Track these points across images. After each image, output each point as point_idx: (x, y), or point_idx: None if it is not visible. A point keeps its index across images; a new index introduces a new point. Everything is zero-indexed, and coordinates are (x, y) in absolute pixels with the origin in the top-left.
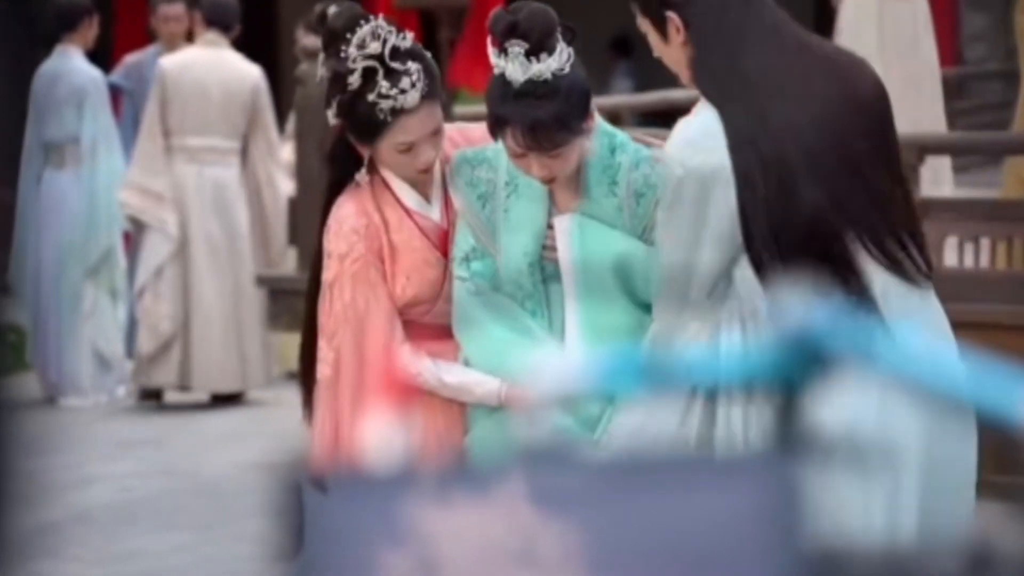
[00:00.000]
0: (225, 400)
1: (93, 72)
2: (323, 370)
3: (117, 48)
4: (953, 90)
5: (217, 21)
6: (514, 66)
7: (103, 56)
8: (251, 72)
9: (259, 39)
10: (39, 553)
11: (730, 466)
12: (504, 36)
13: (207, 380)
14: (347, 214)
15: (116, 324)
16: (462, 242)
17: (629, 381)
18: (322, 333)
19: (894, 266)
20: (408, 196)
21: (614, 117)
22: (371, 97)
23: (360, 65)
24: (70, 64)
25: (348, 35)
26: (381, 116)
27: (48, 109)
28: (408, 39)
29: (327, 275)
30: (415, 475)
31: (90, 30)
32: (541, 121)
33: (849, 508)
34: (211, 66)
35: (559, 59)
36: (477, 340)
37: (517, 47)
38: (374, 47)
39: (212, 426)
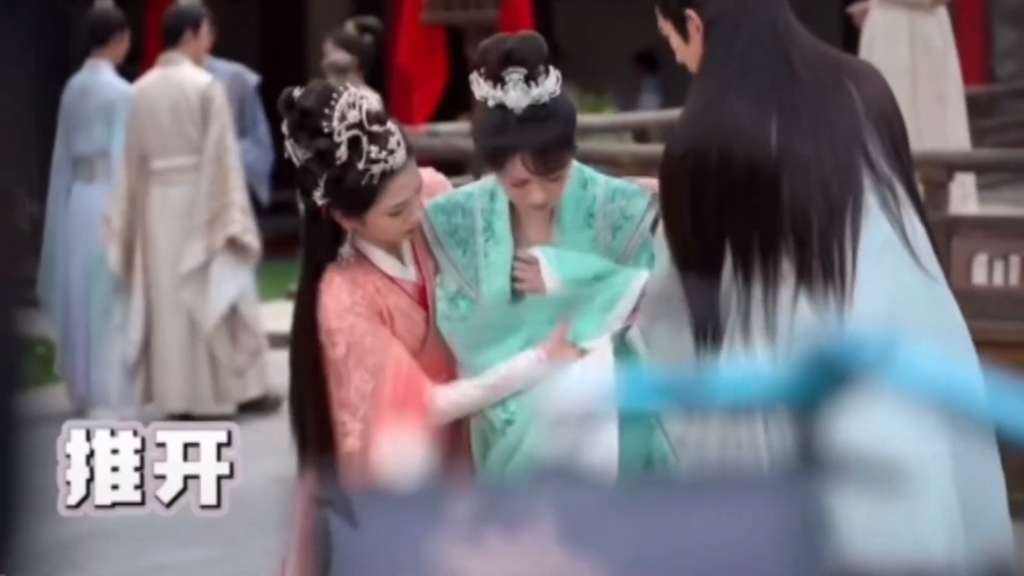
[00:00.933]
0: (252, 408)
1: (123, 86)
2: (351, 443)
3: (146, 63)
4: (983, 108)
5: (166, 39)
6: (516, 92)
7: (133, 71)
8: (198, 84)
9: (287, 54)
10: (62, 567)
11: (752, 485)
12: (500, 65)
13: (172, 400)
14: (341, 290)
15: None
16: (448, 283)
17: (652, 400)
18: (344, 408)
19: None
20: (388, 264)
21: (642, 133)
22: (360, 165)
23: (345, 137)
24: (100, 78)
25: (326, 110)
26: (372, 181)
27: (78, 123)
28: (376, 100)
29: (336, 352)
30: (444, 507)
31: (121, 45)
32: (549, 143)
33: (872, 528)
34: (160, 85)
35: (553, 82)
36: (483, 357)
37: (516, 73)
38: (353, 116)
39: (240, 437)
